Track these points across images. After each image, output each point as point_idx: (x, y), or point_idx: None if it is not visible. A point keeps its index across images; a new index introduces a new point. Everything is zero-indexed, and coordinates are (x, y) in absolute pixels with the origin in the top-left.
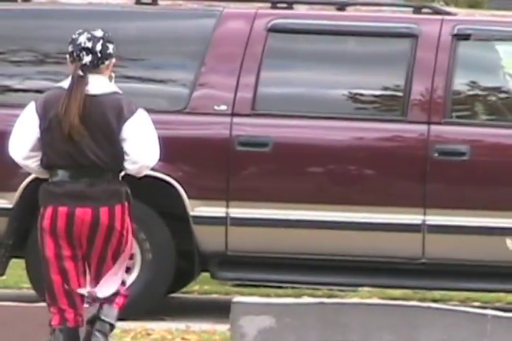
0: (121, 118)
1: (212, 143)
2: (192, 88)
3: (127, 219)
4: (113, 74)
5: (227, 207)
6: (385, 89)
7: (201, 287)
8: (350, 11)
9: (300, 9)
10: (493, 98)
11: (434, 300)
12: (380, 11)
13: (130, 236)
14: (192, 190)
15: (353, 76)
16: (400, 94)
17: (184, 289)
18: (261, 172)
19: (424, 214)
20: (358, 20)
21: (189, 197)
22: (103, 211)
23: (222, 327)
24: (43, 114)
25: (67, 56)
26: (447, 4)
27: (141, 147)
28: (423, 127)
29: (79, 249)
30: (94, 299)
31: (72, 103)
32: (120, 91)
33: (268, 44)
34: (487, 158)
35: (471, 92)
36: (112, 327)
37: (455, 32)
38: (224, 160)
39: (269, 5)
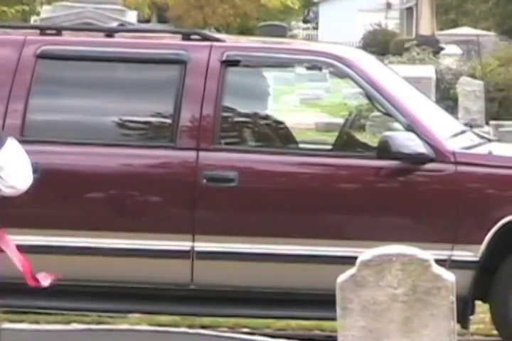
0: None
1: None
2: None
3: None
4: None
5: None
6: (155, 115)
7: None
8: (119, 38)
9: (70, 36)
10: (261, 124)
11: (203, 327)
12: (148, 37)
13: None
14: None
15: (123, 103)
16: (169, 120)
17: None
18: (31, 199)
19: (193, 240)
20: (127, 46)
21: None
22: None
23: None
24: None
25: None
26: (218, 31)
27: (17, 173)
28: (192, 153)
29: None
30: None
31: None
32: None
33: (37, 71)
34: (255, 185)
35: (239, 119)
36: None
37: (224, 58)
38: None
39: (38, 32)
